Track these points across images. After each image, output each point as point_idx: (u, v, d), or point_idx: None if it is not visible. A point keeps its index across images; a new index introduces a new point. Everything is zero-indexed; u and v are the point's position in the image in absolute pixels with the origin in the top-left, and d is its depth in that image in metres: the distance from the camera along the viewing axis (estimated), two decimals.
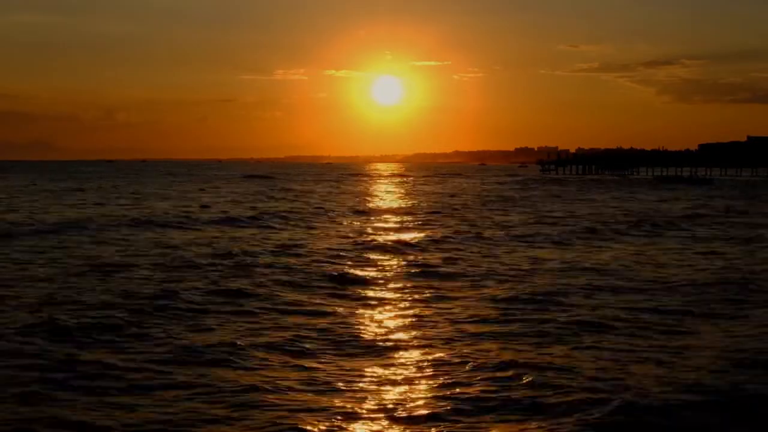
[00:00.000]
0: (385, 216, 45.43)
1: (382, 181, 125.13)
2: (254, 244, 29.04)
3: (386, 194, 76.10)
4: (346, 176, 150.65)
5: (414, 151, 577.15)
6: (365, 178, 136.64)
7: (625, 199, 64.75)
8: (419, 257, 25.92)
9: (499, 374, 11.81)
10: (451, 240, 31.25)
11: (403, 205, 56.48)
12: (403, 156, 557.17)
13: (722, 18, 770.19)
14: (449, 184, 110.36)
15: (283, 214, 44.20)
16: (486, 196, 70.39)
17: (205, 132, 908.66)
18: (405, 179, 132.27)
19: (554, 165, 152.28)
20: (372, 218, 43.72)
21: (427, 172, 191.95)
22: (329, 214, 46.12)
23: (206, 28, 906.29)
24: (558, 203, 58.84)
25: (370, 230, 35.65)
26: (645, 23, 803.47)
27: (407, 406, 10.53)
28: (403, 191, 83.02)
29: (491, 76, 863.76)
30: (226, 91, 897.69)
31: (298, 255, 25.81)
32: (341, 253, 26.35)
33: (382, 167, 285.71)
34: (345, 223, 39.59)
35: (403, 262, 24.57)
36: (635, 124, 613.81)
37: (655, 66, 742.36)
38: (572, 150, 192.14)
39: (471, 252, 27.40)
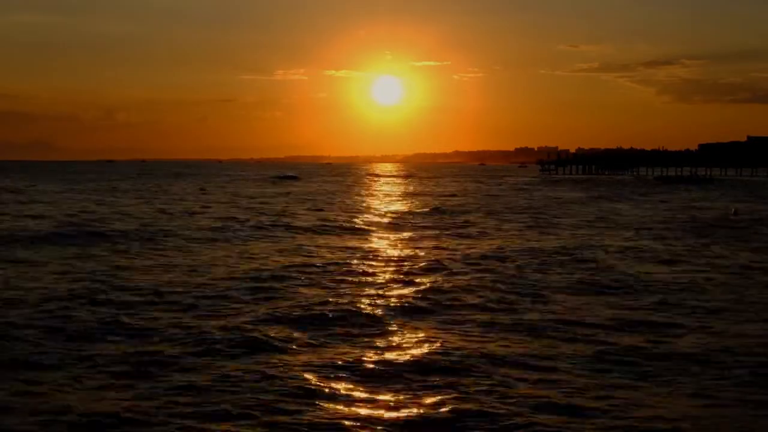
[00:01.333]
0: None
1: (422, 181, 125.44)
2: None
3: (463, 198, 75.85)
4: (369, 176, 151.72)
5: (414, 151, 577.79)
6: (394, 179, 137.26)
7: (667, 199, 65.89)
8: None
9: None
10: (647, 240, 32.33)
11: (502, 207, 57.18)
12: (403, 156, 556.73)
13: (722, 18, 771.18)
14: (482, 185, 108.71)
15: None
16: (551, 200, 70.25)
17: (205, 132, 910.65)
18: (427, 180, 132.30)
19: (554, 165, 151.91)
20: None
21: (435, 173, 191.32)
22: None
23: (206, 28, 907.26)
24: (626, 203, 59.49)
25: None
26: (645, 23, 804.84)
27: None
28: (462, 192, 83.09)
29: (491, 76, 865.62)
30: (226, 91, 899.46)
31: None
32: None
33: (390, 167, 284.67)
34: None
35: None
36: (635, 124, 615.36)
37: (655, 66, 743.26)
38: (572, 150, 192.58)
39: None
